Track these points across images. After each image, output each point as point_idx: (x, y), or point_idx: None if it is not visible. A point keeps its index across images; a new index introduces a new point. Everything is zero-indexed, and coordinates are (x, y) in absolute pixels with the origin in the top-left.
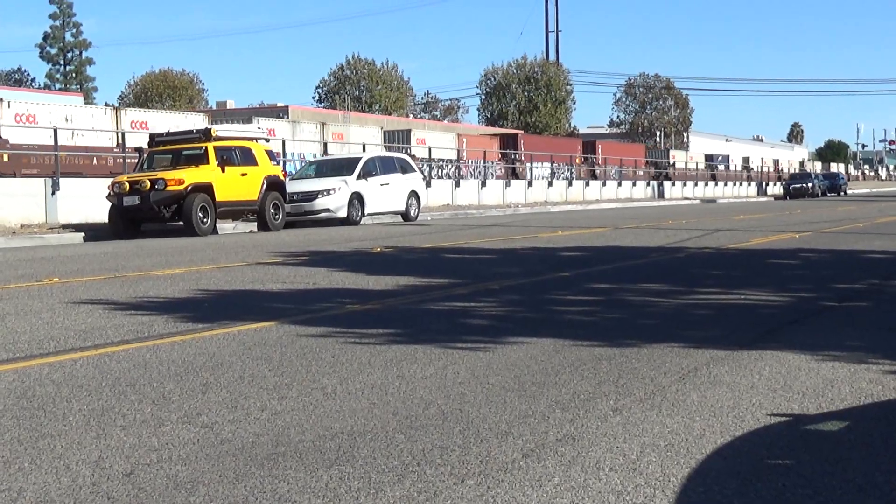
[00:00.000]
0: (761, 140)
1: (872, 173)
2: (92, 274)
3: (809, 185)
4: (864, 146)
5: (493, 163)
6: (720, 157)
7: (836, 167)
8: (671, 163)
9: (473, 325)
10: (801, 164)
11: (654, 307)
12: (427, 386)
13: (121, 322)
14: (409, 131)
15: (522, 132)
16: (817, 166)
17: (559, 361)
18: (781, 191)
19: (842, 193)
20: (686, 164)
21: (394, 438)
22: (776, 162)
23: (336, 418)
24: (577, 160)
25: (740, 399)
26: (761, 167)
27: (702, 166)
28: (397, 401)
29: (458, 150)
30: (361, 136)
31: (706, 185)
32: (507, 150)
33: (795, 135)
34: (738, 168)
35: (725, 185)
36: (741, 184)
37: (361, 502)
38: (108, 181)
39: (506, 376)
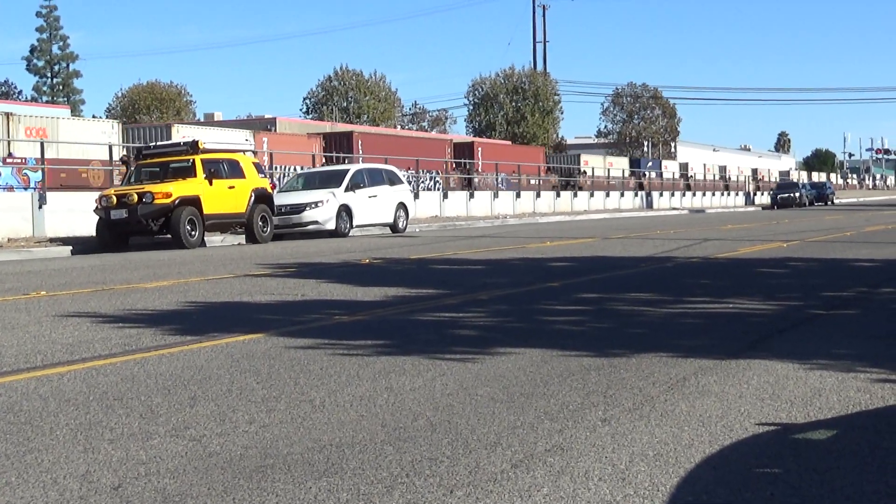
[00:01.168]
0: (748, 149)
1: (857, 183)
2: (79, 287)
3: (797, 194)
4: (850, 155)
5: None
6: (650, 163)
7: (797, 175)
8: (581, 170)
9: (462, 336)
10: (754, 172)
11: (643, 317)
12: (416, 397)
13: (108, 335)
14: (168, 126)
15: (363, 130)
16: (793, 174)
17: (548, 372)
18: (769, 200)
19: (829, 203)
20: (603, 170)
21: (382, 450)
22: (722, 168)
23: (324, 430)
24: (449, 165)
25: (729, 408)
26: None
27: (622, 174)
28: (386, 412)
29: (255, 152)
30: (83, 133)
31: (693, 195)
32: (337, 153)
33: (783, 144)
34: (676, 175)
35: (713, 195)
36: (728, 194)
37: None
38: (96, 194)
39: (494, 387)
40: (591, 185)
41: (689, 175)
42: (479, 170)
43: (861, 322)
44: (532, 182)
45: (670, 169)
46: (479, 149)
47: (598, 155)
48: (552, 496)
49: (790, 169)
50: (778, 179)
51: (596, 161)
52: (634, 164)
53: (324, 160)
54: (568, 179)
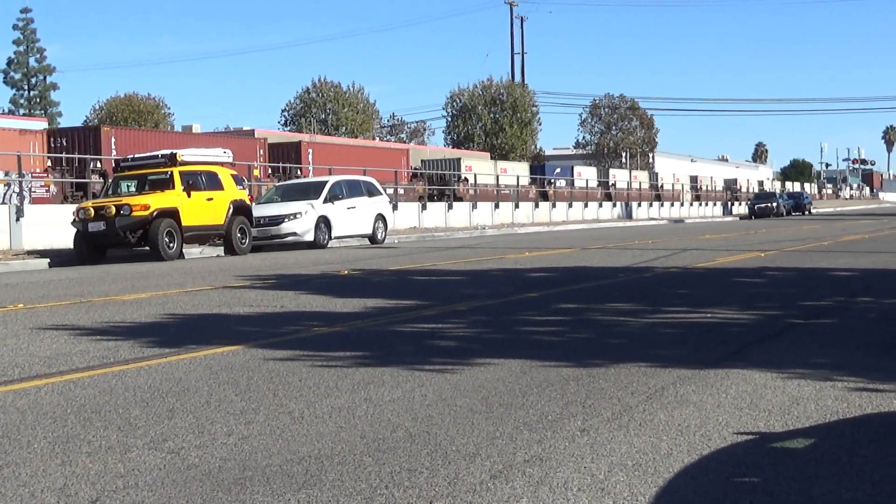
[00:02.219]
0: (726, 160)
1: (835, 193)
2: (57, 300)
3: (774, 204)
4: (828, 165)
5: (29, 175)
6: (557, 170)
7: (764, 183)
8: (462, 177)
9: (441, 347)
10: (694, 180)
11: (622, 327)
12: (395, 408)
13: (86, 348)
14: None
15: (110, 128)
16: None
17: (526, 382)
18: (746, 210)
19: (806, 212)
20: (493, 178)
21: (361, 461)
22: (694, 178)
23: (303, 442)
24: (263, 170)
25: (707, 418)
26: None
27: (511, 182)
28: (365, 424)
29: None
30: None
31: (672, 205)
32: (82, 154)
33: (760, 154)
34: (592, 184)
35: (692, 205)
36: (706, 204)
37: None
38: (73, 207)
39: (473, 398)
40: (474, 195)
41: (610, 183)
42: (311, 175)
43: (839, 331)
44: (395, 192)
45: (584, 176)
46: (310, 150)
47: (487, 161)
48: None
49: (766, 179)
50: (723, 186)
51: (483, 167)
52: (537, 170)
53: (48, 162)
54: (443, 188)
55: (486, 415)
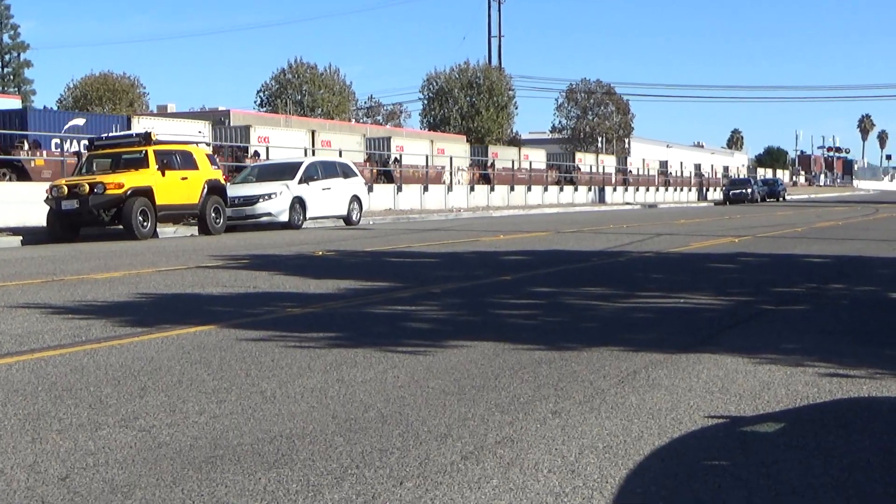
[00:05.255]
0: (702, 146)
1: (807, 181)
2: (29, 278)
3: (749, 190)
4: (802, 152)
5: None
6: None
7: (729, 169)
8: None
9: (414, 329)
10: (669, 165)
11: (595, 311)
12: (367, 389)
13: (58, 326)
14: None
15: None
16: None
17: (499, 365)
18: (721, 196)
19: (781, 199)
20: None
21: (333, 441)
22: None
23: (275, 422)
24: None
25: (678, 401)
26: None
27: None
28: (337, 404)
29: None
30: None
31: (647, 190)
32: None
33: (735, 141)
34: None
35: (667, 190)
36: (681, 189)
37: None
38: (47, 185)
39: (446, 380)
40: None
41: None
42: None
43: (810, 318)
44: None
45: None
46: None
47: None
48: (501, 488)
49: (741, 165)
50: (695, 172)
51: (305, 146)
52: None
53: None
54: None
55: (458, 396)
